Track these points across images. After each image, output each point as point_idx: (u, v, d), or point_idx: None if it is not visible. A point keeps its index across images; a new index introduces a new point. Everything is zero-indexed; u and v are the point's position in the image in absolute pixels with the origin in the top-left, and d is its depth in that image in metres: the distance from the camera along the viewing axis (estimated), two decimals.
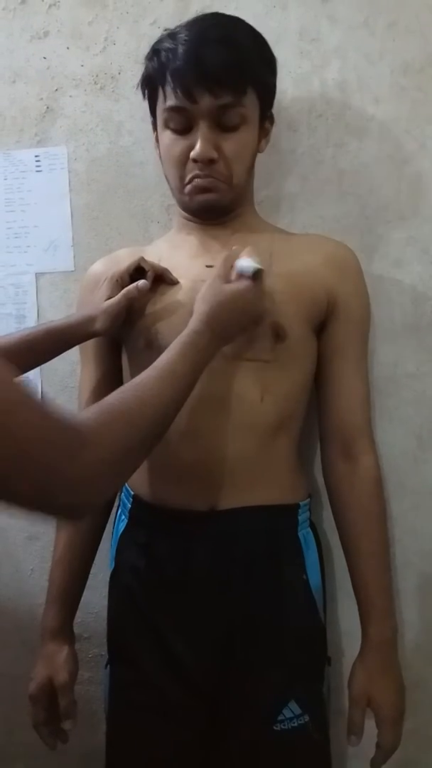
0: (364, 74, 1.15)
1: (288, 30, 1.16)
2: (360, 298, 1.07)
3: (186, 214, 1.07)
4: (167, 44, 0.97)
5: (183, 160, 0.99)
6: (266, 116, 1.05)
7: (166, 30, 1.02)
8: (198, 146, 0.96)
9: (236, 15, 1.11)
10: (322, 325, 1.04)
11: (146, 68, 1.02)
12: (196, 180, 0.99)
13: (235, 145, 0.98)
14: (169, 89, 0.96)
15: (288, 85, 1.10)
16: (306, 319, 1.01)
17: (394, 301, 1.17)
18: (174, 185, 1.03)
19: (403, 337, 1.17)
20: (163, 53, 0.97)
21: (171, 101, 0.97)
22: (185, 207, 1.05)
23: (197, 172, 0.98)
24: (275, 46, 1.08)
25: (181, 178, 1.00)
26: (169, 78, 0.96)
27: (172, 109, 0.97)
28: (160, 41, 1.00)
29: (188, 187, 1.00)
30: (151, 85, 1.02)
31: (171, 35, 0.98)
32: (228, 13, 1.13)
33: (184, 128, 0.98)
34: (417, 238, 1.16)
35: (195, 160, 0.97)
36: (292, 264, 1.02)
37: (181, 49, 0.94)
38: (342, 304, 1.03)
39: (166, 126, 1.00)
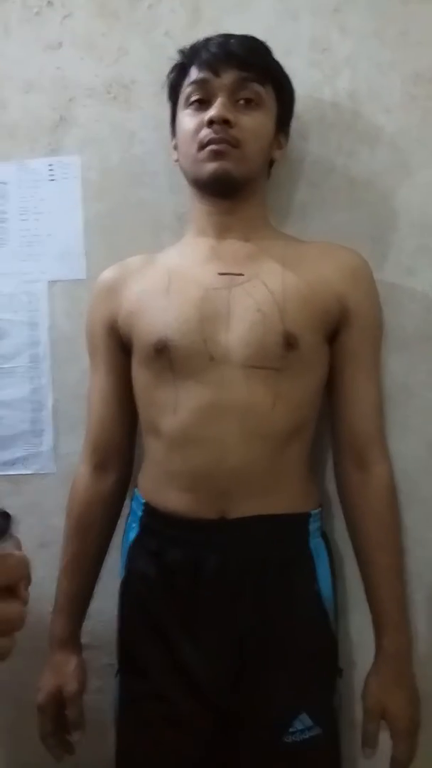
0: (375, 84, 1.16)
1: (299, 40, 1.17)
2: (372, 305, 1.07)
3: (199, 198, 1.07)
4: (200, 41, 1.05)
5: (198, 129, 1.01)
6: (282, 128, 1.08)
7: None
8: (214, 107, 0.99)
9: (248, 25, 1.13)
10: (334, 333, 1.04)
11: (177, 60, 1.07)
12: (210, 145, 0.99)
13: (251, 121, 1.01)
14: (194, 67, 1.03)
15: (299, 94, 1.11)
16: (318, 327, 1.01)
17: (406, 309, 1.16)
18: (188, 159, 1.04)
19: (415, 345, 1.17)
20: (196, 44, 1.05)
21: (195, 75, 1.02)
22: (198, 179, 1.04)
23: (212, 136, 0.99)
24: (286, 56, 1.10)
25: (195, 147, 1.01)
26: (196, 57, 1.02)
27: (195, 82, 1.02)
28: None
29: (202, 153, 1.00)
30: (178, 75, 1.06)
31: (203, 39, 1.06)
32: (239, 23, 1.15)
33: (202, 103, 1.01)
34: (428, 246, 1.15)
35: (211, 122, 0.98)
36: (304, 272, 1.02)
37: (212, 39, 1.04)
38: (354, 312, 1.03)
39: (186, 104, 1.03)
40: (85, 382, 1.18)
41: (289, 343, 0.98)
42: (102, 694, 1.23)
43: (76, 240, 1.26)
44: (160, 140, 1.19)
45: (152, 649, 1.02)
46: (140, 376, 1.05)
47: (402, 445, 1.16)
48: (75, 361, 1.26)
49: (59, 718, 1.07)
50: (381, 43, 1.15)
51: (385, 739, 1.01)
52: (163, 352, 0.99)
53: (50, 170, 1.27)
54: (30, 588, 0.62)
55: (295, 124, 1.13)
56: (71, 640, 1.11)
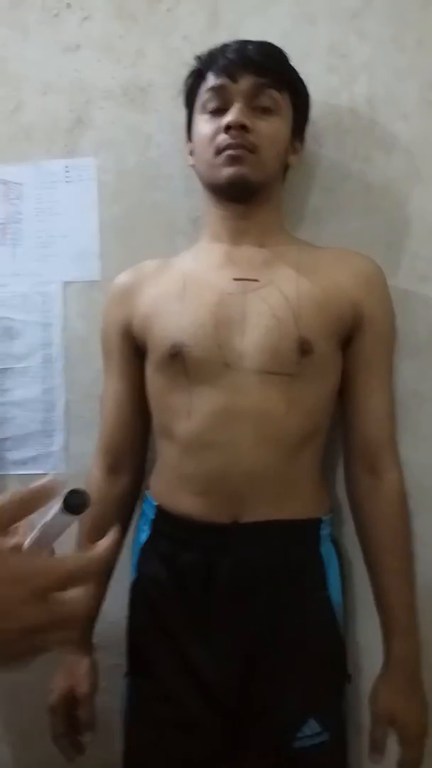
0: (392, 90, 1.16)
1: (317, 45, 1.17)
2: (386, 312, 1.07)
3: (215, 202, 1.08)
4: (216, 47, 1.06)
5: (215, 135, 1.01)
6: (297, 134, 1.08)
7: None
8: (231, 113, 0.99)
9: (266, 29, 1.13)
10: (348, 340, 1.04)
11: (194, 66, 1.08)
12: (227, 150, 1.00)
13: (267, 127, 1.01)
14: (211, 73, 1.02)
15: (316, 99, 1.11)
16: (332, 333, 1.01)
17: (419, 315, 1.16)
18: (205, 163, 1.04)
19: (427, 352, 1.17)
20: (212, 50, 1.06)
21: (212, 81, 1.02)
22: (214, 183, 1.05)
23: (229, 141, 0.99)
24: (304, 61, 1.10)
25: (212, 152, 1.01)
26: (214, 63, 1.02)
27: (212, 89, 1.02)
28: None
29: (219, 158, 1.01)
30: (195, 81, 1.07)
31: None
32: (257, 27, 1.16)
33: (219, 108, 1.02)
34: None
35: (228, 127, 0.99)
36: (318, 278, 1.02)
37: (229, 45, 1.04)
38: (368, 319, 1.03)
39: (203, 110, 1.04)
40: (98, 383, 1.18)
41: (304, 349, 0.98)
42: (109, 695, 1.24)
43: (90, 241, 1.27)
44: (176, 144, 1.19)
45: (162, 651, 1.02)
46: (154, 380, 1.06)
47: (413, 452, 1.15)
48: (88, 362, 1.27)
49: (71, 718, 1.08)
50: (398, 49, 1.15)
51: (391, 744, 1.01)
52: (177, 357, 0.99)
53: (66, 172, 1.27)
54: None
55: (311, 130, 1.13)
56: (83, 641, 1.11)
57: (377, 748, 1.00)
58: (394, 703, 1.00)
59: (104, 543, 0.60)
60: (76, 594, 0.55)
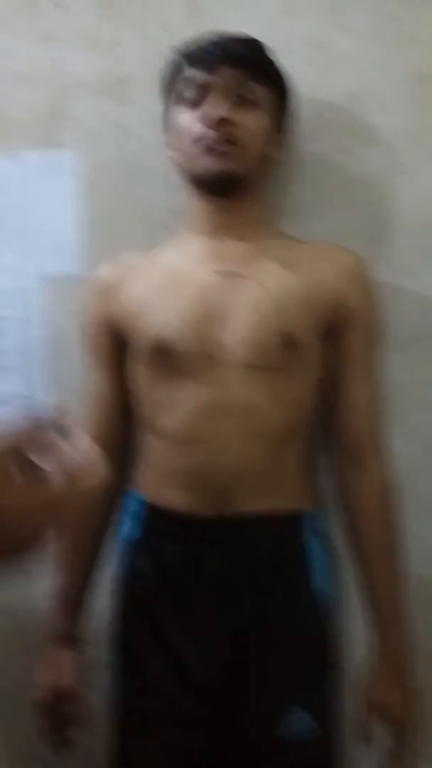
0: (373, 83, 1.15)
1: (298, 37, 1.16)
2: (370, 306, 1.07)
3: (196, 196, 1.06)
4: (196, 40, 1.04)
5: (195, 128, 1.00)
6: (279, 127, 1.07)
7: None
8: (212, 106, 0.98)
9: (246, 21, 1.12)
10: (331, 334, 1.04)
11: (173, 59, 1.06)
12: (208, 143, 0.98)
13: (248, 120, 1.00)
14: (191, 66, 1.01)
15: (297, 92, 1.10)
16: (315, 328, 1.02)
17: (403, 309, 1.17)
18: (186, 156, 1.03)
19: (412, 345, 1.17)
20: (192, 43, 1.04)
21: (191, 74, 1.00)
22: (196, 176, 1.03)
23: (210, 134, 0.98)
24: (285, 52, 1.09)
25: (192, 145, 1.00)
26: (193, 55, 1.01)
27: (191, 81, 1.00)
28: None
29: (200, 151, 1.00)
30: (173, 73, 1.05)
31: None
32: (238, 18, 1.15)
33: (197, 101, 1.00)
34: (426, 247, 1.16)
35: (209, 120, 0.98)
36: (302, 272, 1.02)
37: (209, 38, 1.03)
38: (352, 313, 1.04)
39: (182, 102, 1.02)
40: (77, 377, 1.17)
41: (287, 343, 0.98)
42: (96, 689, 1.24)
43: (69, 235, 1.25)
44: (156, 135, 1.17)
45: (148, 644, 1.03)
46: (138, 375, 1.05)
47: (398, 445, 1.16)
48: (67, 356, 1.25)
49: (57, 713, 1.08)
50: (381, 41, 1.15)
51: (379, 733, 1.03)
52: (161, 352, 0.99)
53: (44, 164, 1.25)
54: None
55: (292, 123, 1.12)
56: (68, 635, 1.12)
57: (365, 737, 1.01)
58: (381, 693, 1.01)
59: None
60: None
